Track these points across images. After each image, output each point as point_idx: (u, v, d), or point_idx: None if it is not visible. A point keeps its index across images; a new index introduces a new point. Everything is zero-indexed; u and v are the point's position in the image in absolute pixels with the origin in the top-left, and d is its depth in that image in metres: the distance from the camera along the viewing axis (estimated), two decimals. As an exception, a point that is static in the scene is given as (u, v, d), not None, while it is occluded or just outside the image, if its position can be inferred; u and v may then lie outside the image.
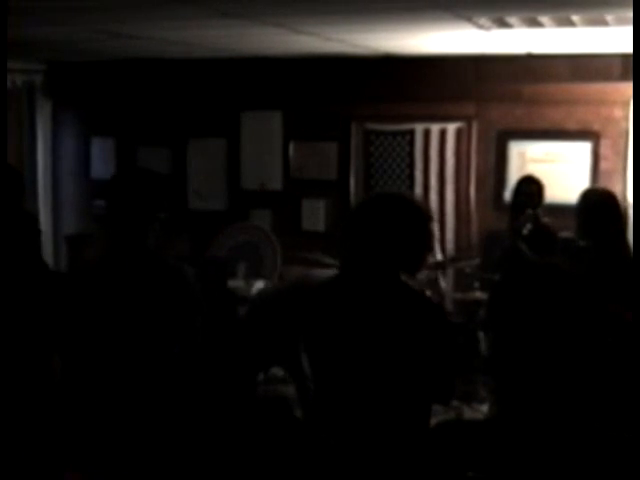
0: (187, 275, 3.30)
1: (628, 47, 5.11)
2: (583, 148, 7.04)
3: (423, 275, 6.18)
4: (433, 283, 6.37)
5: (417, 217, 2.79)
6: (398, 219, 2.76)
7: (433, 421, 2.83)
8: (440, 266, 6.68)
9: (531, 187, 6.12)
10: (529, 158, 7.23)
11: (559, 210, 6.92)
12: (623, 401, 3.64)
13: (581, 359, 1.76)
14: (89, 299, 3.32)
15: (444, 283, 6.53)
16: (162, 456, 3.19)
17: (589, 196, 5.13)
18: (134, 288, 3.27)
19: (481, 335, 5.85)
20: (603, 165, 7.00)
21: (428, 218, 2.88)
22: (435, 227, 7.45)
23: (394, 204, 2.80)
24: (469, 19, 5.05)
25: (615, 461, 1.71)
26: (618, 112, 6.87)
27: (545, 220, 6.05)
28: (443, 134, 7.46)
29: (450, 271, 7.18)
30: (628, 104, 6.58)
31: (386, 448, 2.68)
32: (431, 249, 2.87)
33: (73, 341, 3.36)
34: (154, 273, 3.28)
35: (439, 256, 6.59)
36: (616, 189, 6.89)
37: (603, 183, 6.99)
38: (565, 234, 6.37)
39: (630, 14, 4.35)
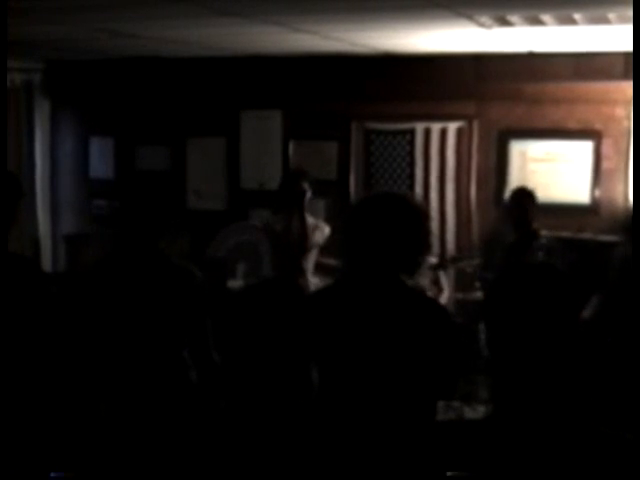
0: (196, 276, 3.30)
1: (630, 45, 5.07)
2: (585, 147, 7.01)
3: (425, 276, 6.18)
4: (434, 283, 6.35)
5: (414, 216, 2.78)
6: (394, 219, 2.74)
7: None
8: (441, 266, 6.67)
9: (526, 200, 6.17)
10: (530, 157, 7.21)
11: (560, 210, 6.91)
12: (622, 399, 3.63)
13: (572, 357, 1.76)
14: (98, 299, 3.31)
15: (445, 283, 6.52)
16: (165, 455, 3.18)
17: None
18: (144, 288, 3.26)
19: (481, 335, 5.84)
20: (605, 164, 6.97)
21: (425, 217, 2.86)
22: (435, 226, 7.44)
23: (390, 204, 2.79)
24: (470, 17, 5.03)
25: (612, 460, 1.69)
26: (620, 111, 6.84)
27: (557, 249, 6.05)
28: (444, 133, 7.44)
29: (451, 271, 7.16)
30: (630, 103, 6.53)
31: (395, 446, 2.67)
32: (429, 248, 2.86)
33: (82, 340, 3.35)
34: (163, 274, 3.28)
35: (434, 259, 6.57)
36: (618, 189, 6.89)
37: (605, 183, 6.97)
38: (565, 234, 6.38)
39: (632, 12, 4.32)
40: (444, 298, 6.36)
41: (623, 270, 5.23)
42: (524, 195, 6.24)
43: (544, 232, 6.19)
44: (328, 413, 2.73)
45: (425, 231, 2.83)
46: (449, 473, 2.44)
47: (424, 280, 6.16)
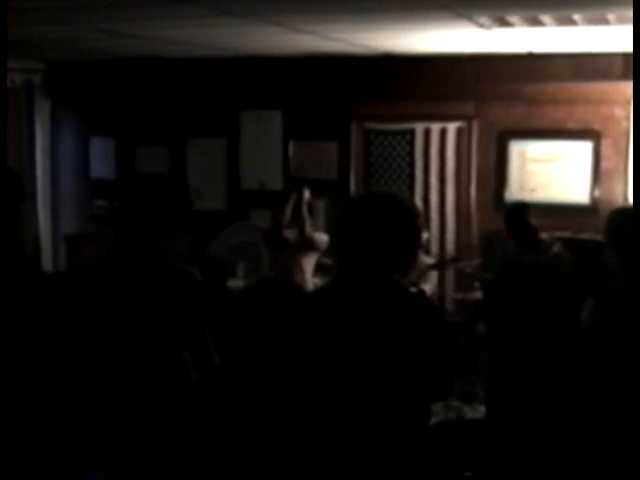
0: (196, 278, 3.29)
1: (629, 46, 5.08)
2: (584, 147, 7.02)
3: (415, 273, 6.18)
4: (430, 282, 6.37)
5: (405, 216, 2.78)
6: (386, 219, 2.74)
7: (433, 421, 2.83)
8: (437, 266, 6.69)
9: (526, 214, 6.18)
10: (529, 158, 7.22)
11: (559, 210, 6.92)
12: (622, 401, 3.63)
13: (572, 357, 1.76)
14: (98, 299, 3.31)
15: (432, 281, 6.54)
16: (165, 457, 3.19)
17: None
18: (144, 289, 3.26)
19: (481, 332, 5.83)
20: (604, 165, 6.98)
21: (416, 216, 2.87)
22: (434, 226, 7.45)
23: (381, 204, 2.79)
24: (470, 18, 5.03)
25: (612, 460, 1.70)
26: (619, 111, 6.85)
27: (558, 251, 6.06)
28: (443, 134, 7.45)
29: (450, 271, 7.17)
30: (629, 103, 6.55)
31: (387, 448, 2.67)
32: (420, 247, 2.86)
33: (83, 340, 3.35)
34: (163, 275, 3.27)
35: (430, 259, 6.59)
36: (617, 189, 6.90)
37: (604, 183, 6.98)
38: (564, 234, 6.39)
39: (632, 13, 4.33)
40: (428, 289, 6.38)
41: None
42: (522, 210, 6.22)
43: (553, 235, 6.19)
44: (323, 411, 2.74)
45: (416, 230, 2.83)
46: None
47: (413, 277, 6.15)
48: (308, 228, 6.23)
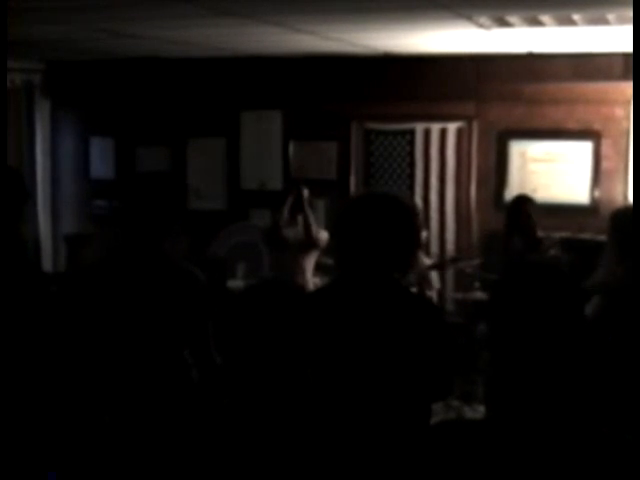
0: (198, 278, 3.30)
1: (629, 46, 5.08)
2: (584, 148, 7.02)
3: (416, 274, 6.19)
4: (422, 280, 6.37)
5: (404, 216, 2.78)
6: (385, 219, 2.75)
7: (433, 421, 2.83)
8: (437, 266, 6.69)
9: (528, 207, 6.18)
10: (530, 158, 7.22)
11: (560, 210, 6.92)
12: (623, 400, 3.63)
13: (576, 357, 1.76)
14: (99, 298, 3.31)
15: (434, 282, 6.53)
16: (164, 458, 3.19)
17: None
18: (145, 288, 3.26)
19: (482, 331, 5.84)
20: (604, 165, 6.98)
21: (415, 216, 2.87)
22: (435, 226, 7.45)
23: (380, 204, 2.79)
24: (469, 18, 5.03)
25: (612, 460, 1.70)
26: (619, 111, 6.85)
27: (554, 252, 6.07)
28: (443, 134, 7.45)
29: (450, 271, 7.17)
30: (629, 103, 6.55)
31: (387, 448, 2.67)
32: (420, 246, 2.87)
33: (82, 342, 3.35)
34: (165, 274, 3.28)
35: (430, 260, 6.59)
36: (617, 189, 6.90)
37: (604, 183, 6.98)
38: (563, 234, 6.39)
39: (632, 13, 4.33)
40: (433, 296, 6.39)
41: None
42: (525, 201, 6.22)
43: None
44: (323, 411, 2.74)
45: (416, 230, 2.83)
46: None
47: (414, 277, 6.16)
48: (314, 229, 6.22)
